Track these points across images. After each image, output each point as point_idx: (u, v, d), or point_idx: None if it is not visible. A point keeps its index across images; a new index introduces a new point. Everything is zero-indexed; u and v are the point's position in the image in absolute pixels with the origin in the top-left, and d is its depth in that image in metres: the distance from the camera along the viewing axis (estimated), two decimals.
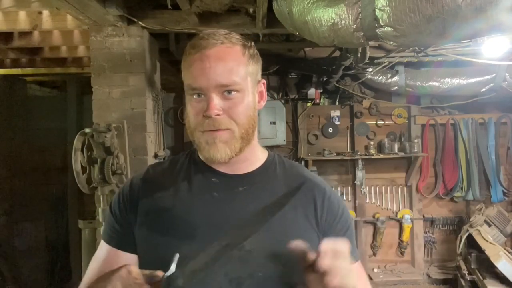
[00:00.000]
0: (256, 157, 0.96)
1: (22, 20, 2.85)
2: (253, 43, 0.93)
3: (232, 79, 0.85)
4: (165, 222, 0.89)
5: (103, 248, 0.97)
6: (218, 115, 0.85)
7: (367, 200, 4.76)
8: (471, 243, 3.95)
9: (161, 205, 0.91)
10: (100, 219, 2.38)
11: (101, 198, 2.37)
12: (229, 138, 0.87)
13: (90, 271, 0.96)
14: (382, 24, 1.55)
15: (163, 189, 0.93)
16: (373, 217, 4.70)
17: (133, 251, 0.93)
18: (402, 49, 3.52)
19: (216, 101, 0.85)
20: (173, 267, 0.72)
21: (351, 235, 0.97)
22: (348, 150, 4.79)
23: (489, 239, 3.74)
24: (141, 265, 0.92)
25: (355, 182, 4.74)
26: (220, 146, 0.86)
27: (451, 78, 4.14)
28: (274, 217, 0.88)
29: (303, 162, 4.50)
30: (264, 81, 0.96)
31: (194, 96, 0.87)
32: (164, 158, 3.33)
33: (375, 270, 4.68)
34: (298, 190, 0.93)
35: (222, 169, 0.93)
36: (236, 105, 0.86)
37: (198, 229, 0.87)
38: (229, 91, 0.86)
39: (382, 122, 4.75)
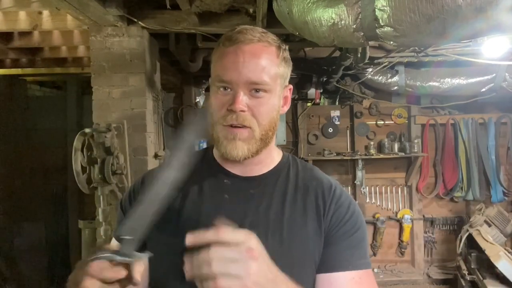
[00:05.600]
0: (270, 159, 0.95)
1: (22, 20, 2.85)
2: (287, 47, 0.92)
3: (263, 78, 0.84)
4: (174, 221, 0.89)
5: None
6: (242, 111, 0.83)
7: (367, 200, 4.76)
8: (471, 243, 3.94)
9: (171, 204, 0.90)
10: (100, 219, 2.38)
11: (101, 198, 2.37)
12: (249, 137, 0.85)
13: None
14: (382, 24, 1.55)
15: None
16: (373, 217, 4.70)
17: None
18: (402, 49, 3.51)
19: (243, 97, 0.83)
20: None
21: (358, 240, 0.90)
22: (348, 150, 4.79)
23: (489, 239, 3.74)
24: (149, 263, 0.92)
25: (355, 182, 4.74)
26: (238, 143, 0.85)
27: (451, 78, 4.14)
28: (283, 219, 0.89)
29: None
30: (291, 86, 0.94)
31: (221, 89, 0.85)
32: (164, 158, 3.32)
33: (375, 270, 4.67)
34: (310, 193, 0.93)
35: (235, 170, 0.92)
36: (262, 104, 0.85)
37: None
38: (257, 90, 0.84)
39: (382, 122, 4.75)
